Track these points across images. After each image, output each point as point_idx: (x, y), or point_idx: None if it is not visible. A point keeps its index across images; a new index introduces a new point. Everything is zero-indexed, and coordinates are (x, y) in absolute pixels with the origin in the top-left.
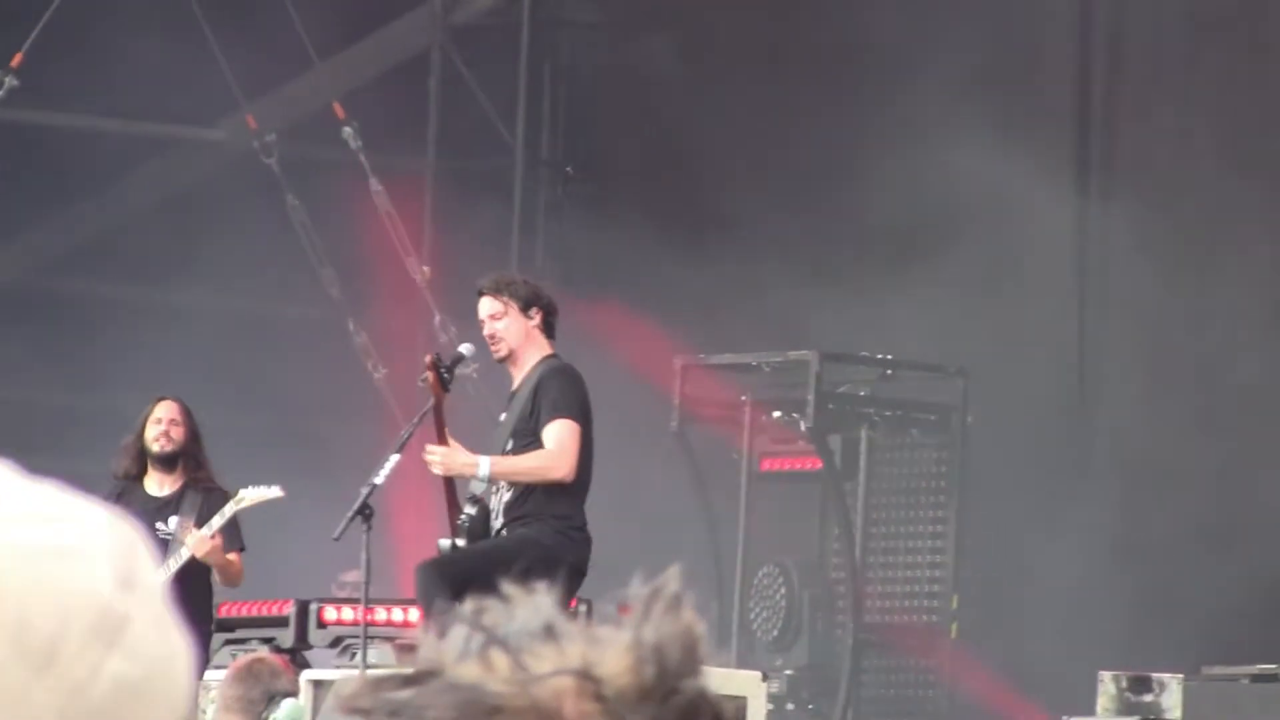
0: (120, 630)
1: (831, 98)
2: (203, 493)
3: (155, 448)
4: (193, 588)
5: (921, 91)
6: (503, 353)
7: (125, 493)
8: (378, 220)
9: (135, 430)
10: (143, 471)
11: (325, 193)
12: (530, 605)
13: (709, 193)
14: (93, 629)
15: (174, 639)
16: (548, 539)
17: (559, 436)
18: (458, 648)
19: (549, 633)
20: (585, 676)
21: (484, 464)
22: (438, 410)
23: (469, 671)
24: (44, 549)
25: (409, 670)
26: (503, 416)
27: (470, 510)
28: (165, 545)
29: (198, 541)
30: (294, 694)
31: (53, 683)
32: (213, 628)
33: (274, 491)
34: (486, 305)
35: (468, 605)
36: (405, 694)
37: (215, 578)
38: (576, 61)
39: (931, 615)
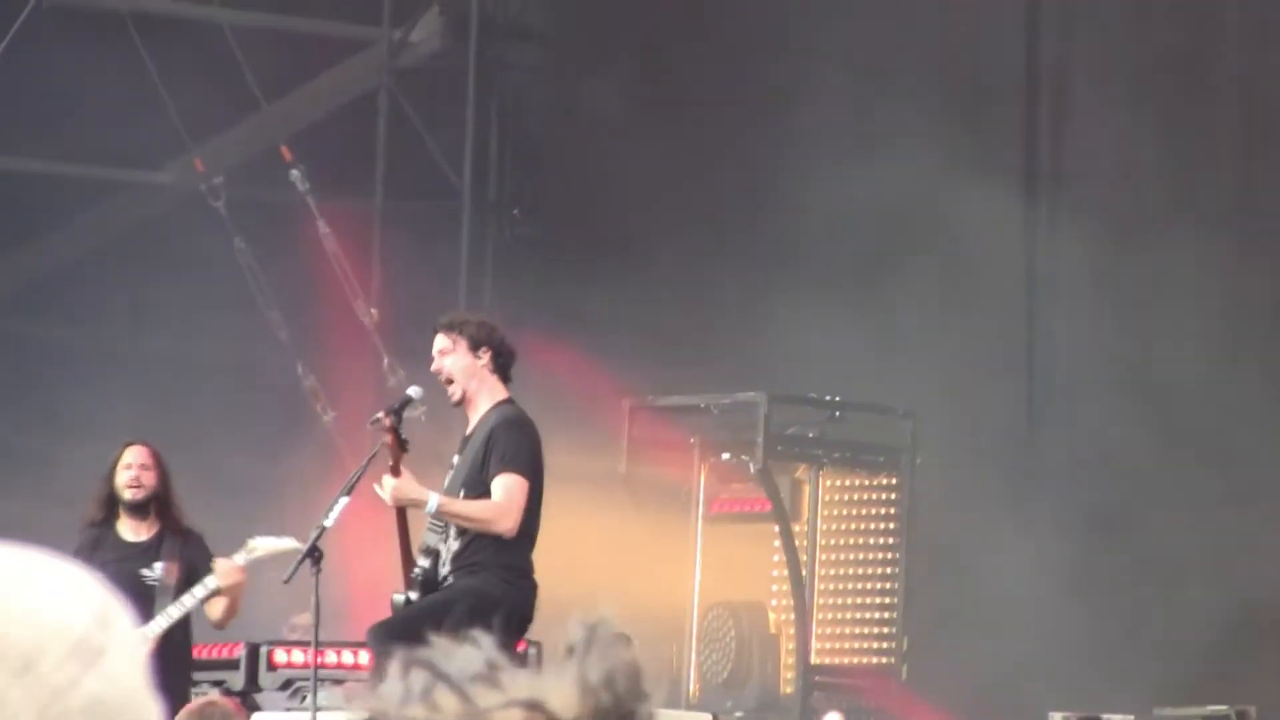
0: (98, 656)
1: (778, 136)
2: (180, 536)
3: (127, 495)
4: (174, 652)
5: (868, 128)
6: (456, 396)
7: (100, 540)
8: (326, 262)
9: (104, 475)
10: (113, 516)
11: (273, 235)
12: (469, 648)
13: (656, 233)
14: (70, 650)
15: (145, 677)
16: (494, 589)
17: (508, 491)
18: (398, 694)
19: (490, 671)
20: (534, 706)
21: (433, 500)
22: (395, 470)
23: (415, 714)
24: (26, 592)
25: None
26: (455, 458)
27: (424, 563)
28: (150, 591)
29: (226, 570)
30: None
31: (30, 686)
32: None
33: (286, 543)
34: (438, 341)
35: (403, 652)
36: None
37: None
38: (522, 103)
39: (881, 656)
